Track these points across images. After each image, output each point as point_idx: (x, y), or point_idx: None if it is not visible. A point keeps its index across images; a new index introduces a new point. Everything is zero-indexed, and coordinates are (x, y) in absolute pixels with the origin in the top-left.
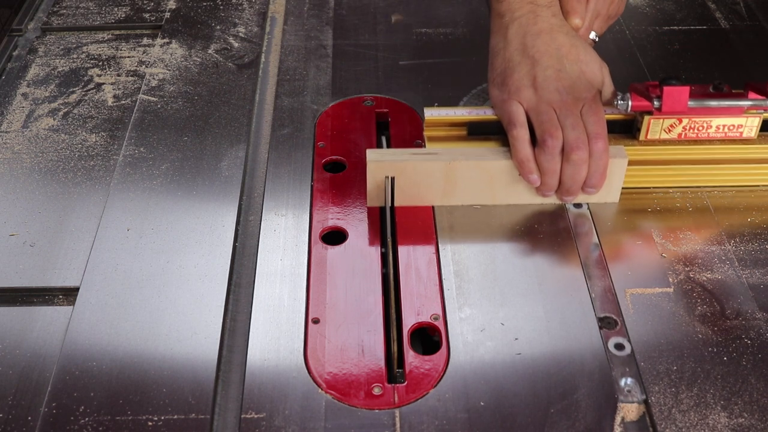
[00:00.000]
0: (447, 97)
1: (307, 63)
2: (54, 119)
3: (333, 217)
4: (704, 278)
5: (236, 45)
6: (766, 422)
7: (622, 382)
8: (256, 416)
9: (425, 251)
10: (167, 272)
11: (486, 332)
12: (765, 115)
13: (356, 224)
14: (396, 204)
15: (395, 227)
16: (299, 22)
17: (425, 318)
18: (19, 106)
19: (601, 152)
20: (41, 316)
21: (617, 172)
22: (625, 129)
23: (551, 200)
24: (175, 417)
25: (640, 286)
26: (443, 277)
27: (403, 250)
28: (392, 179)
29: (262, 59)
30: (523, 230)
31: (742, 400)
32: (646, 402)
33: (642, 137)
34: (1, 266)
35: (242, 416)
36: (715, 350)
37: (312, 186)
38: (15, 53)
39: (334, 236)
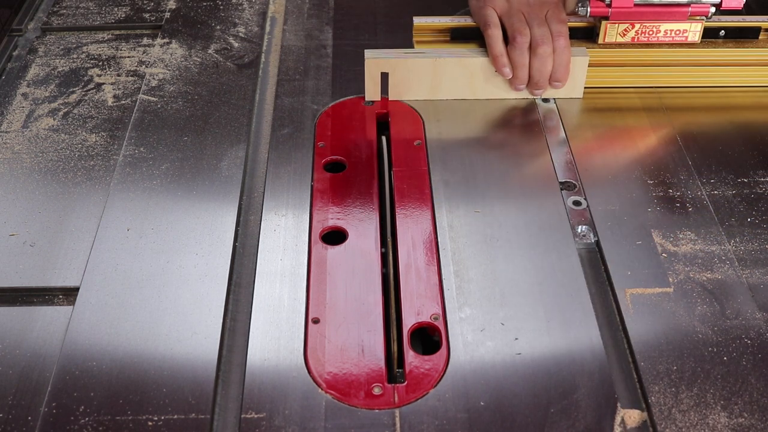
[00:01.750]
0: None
1: (307, 63)
2: (54, 119)
3: (333, 217)
4: (704, 278)
5: (236, 45)
6: (766, 422)
7: (578, 229)
8: (256, 416)
9: (425, 252)
10: (167, 272)
11: (486, 332)
12: (706, 22)
13: (356, 224)
14: (391, 97)
15: (395, 218)
16: (299, 22)
17: (425, 318)
18: (19, 106)
19: (563, 48)
20: (41, 316)
21: (580, 69)
22: (587, 35)
23: (523, 94)
24: (175, 417)
25: (640, 286)
26: (443, 277)
27: (403, 250)
28: (385, 75)
29: (262, 59)
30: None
31: (742, 400)
32: (597, 243)
33: (600, 41)
34: (1, 266)
35: (242, 416)
36: (715, 350)
37: (312, 186)
38: (15, 53)
39: (334, 236)
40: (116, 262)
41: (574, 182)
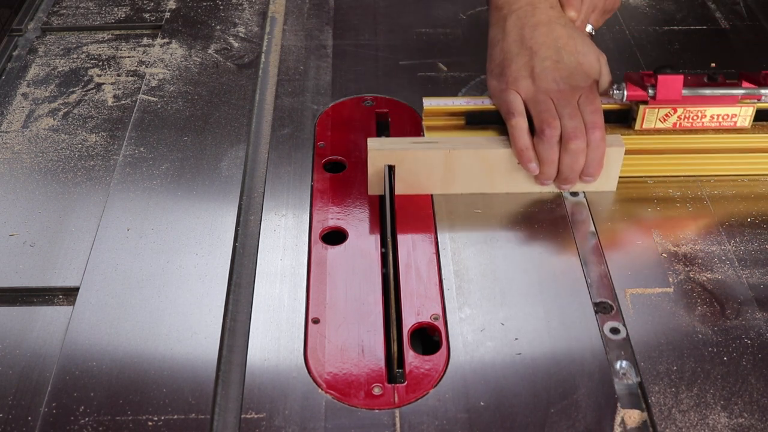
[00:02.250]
0: (447, 96)
1: (307, 63)
2: (54, 119)
3: (333, 217)
4: (704, 278)
5: (236, 45)
6: (766, 422)
7: (617, 365)
8: (256, 416)
9: (425, 251)
10: (167, 272)
11: (486, 332)
12: (758, 104)
13: (356, 224)
14: (396, 192)
15: (395, 218)
16: (299, 22)
17: (425, 318)
18: (19, 106)
19: (598, 141)
20: (41, 316)
21: (614, 161)
22: (621, 119)
23: (549, 188)
24: (175, 417)
25: (640, 286)
26: (443, 277)
27: (403, 250)
28: (391, 168)
29: (262, 59)
30: (521, 218)
31: (742, 400)
32: (641, 384)
33: (637, 126)
34: (1, 266)
35: (242, 416)
36: (715, 350)
37: (312, 186)
38: (15, 53)
39: (334, 236)
40: (116, 262)
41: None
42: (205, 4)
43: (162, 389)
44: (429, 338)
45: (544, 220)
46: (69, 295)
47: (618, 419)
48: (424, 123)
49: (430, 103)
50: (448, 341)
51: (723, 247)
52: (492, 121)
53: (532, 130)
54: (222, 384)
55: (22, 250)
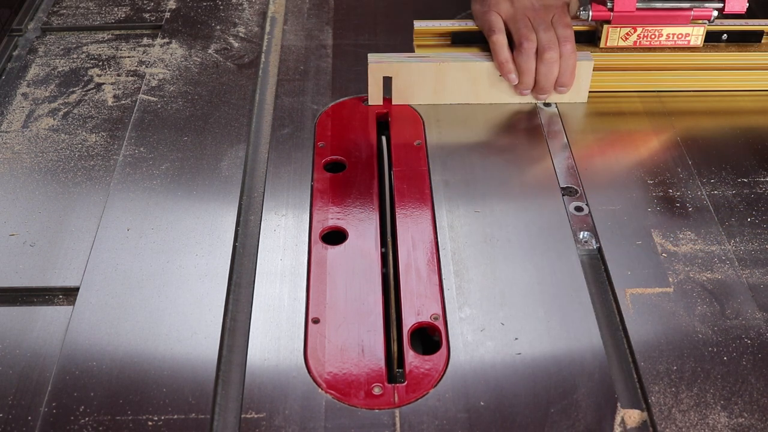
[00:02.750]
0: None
1: (307, 63)
2: (54, 119)
3: (333, 217)
4: (704, 278)
5: (236, 45)
6: (766, 422)
7: (580, 235)
8: (256, 416)
9: (425, 251)
10: (167, 272)
11: (486, 332)
12: (708, 26)
13: (356, 224)
14: (393, 102)
15: (395, 217)
16: (299, 22)
17: (425, 318)
18: (19, 106)
19: (569, 53)
20: (41, 316)
21: (585, 74)
22: (588, 39)
23: (527, 99)
24: (175, 417)
25: (641, 286)
26: (443, 277)
27: (403, 250)
28: (388, 78)
29: (262, 59)
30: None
31: (742, 400)
32: (599, 249)
33: (602, 45)
34: (1, 266)
35: (242, 416)
36: (715, 350)
37: (312, 186)
38: (15, 53)
39: (334, 236)
40: (116, 262)
41: (575, 187)
42: (205, 4)
43: (162, 389)
44: (429, 338)
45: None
46: (69, 295)
47: (618, 419)
48: (415, 43)
49: (420, 25)
50: (448, 341)
51: (723, 247)
52: (475, 41)
53: (512, 46)
54: (222, 384)
55: (22, 250)
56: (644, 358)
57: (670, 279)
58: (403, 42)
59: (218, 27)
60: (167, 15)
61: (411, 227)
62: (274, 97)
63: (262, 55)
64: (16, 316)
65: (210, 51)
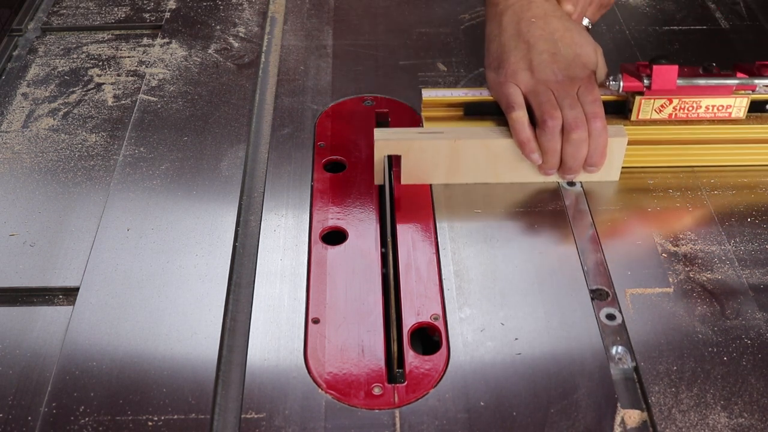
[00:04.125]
0: (445, 88)
1: (307, 63)
2: (54, 119)
3: (333, 217)
4: (704, 278)
5: (236, 45)
6: (766, 422)
7: (613, 350)
8: (256, 416)
9: (425, 251)
10: (167, 272)
11: (486, 332)
12: (752, 95)
13: (356, 224)
14: (402, 182)
15: (395, 216)
16: (299, 22)
17: (425, 318)
18: (19, 106)
19: (600, 131)
20: (41, 316)
21: (617, 151)
22: (618, 110)
23: (553, 178)
24: (175, 417)
25: (640, 286)
26: (443, 277)
27: (403, 250)
28: (390, 158)
29: (262, 59)
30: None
31: (742, 400)
32: (636, 369)
33: (633, 117)
34: (1, 266)
35: (242, 416)
36: (715, 350)
37: (312, 186)
38: (15, 53)
39: (334, 236)
40: (116, 262)
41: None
42: (205, 4)
43: (162, 389)
44: (429, 338)
45: (543, 211)
46: (69, 295)
47: (618, 419)
48: (423, 114)
49: (429, 94)
50: (448, 341)
51: (723, 247)
52: (490, 113)
53: (533, 122)
54: (222, 384)
55: (22, 250)
56: (644, 358)
57: (670, 279)
58: (403, 42)
59: (218, 27)
60: (167, 15)
61: (411, 227)
62: (274, 97)
63: (262, 55)
64: (16, 316)
65: (210, 51)
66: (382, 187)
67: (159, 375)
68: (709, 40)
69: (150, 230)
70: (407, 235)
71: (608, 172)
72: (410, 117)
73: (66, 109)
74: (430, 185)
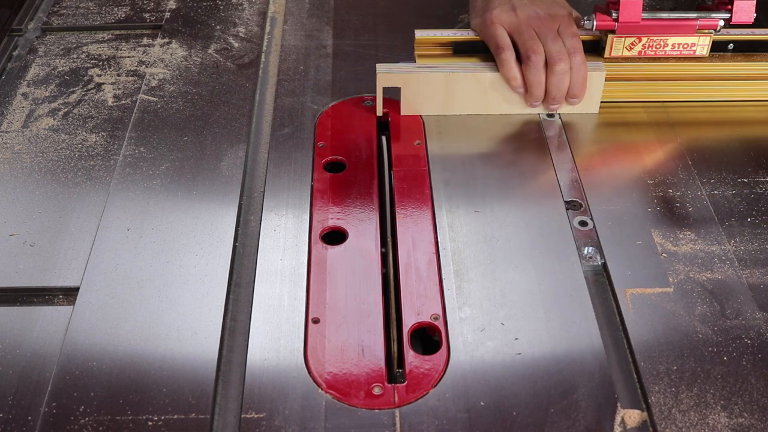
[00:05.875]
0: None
1: (307, 63)
2: (54, 119)
3: (333, 217)
4: (704, 278)
5: (236, 45)
6: (766, 422)
7: (585, 251)
8: (256, 416)
9: (425, 251)
10: (167, 272)
11: (486, 332)
12: (714, 35)
13: (356, 224)
14: (402, 113)
15: (395, 216)
16: (299, 22)
17: (425, 318)
18: (19, 106)
19: (580, 64)
20: (41, 316)
21: (596, 84)
22: (593, 49)
23: (538, 109)
24: (175, 417)
25: (640, 286)
26: (443, 277)
27: (403, 250)
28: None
29: (262, 59)
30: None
31: (742, 400)
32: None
33: (606, 54)
34: (1, 266)
35: (242, 416)
36: (715, 350)
37: (312, 186)
38: (15, 53)
39: (334, 236)
40: (116, 262)
41: (580, 201)
42: (205, 4)
43: (162, 389)
44: (429, 338)
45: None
46: (69, 295)
47: (618, 419)
48: (416, 53)
49: (422, 34)
50: (448, 341)
51: (723, 247)
52: (477, 51)
53: (518, 57)
54: (222, 384)
55: (22, 250)
56: (644, 358)
57: (670, 279)
58: (403, 42)
59: (218, 27)
60: (167, 15)
61: (411, 227)
62: (274, 97)
63: (262, 55)
64: (16, 316)
65: (210, 51)
66: (381, 187)
67: (159, 375)
68: None
69: (150, 230)
70: (407, 235)
71: (588, 105)
72: (410, 116)
73: (66, 109)
74: (428, 175)
